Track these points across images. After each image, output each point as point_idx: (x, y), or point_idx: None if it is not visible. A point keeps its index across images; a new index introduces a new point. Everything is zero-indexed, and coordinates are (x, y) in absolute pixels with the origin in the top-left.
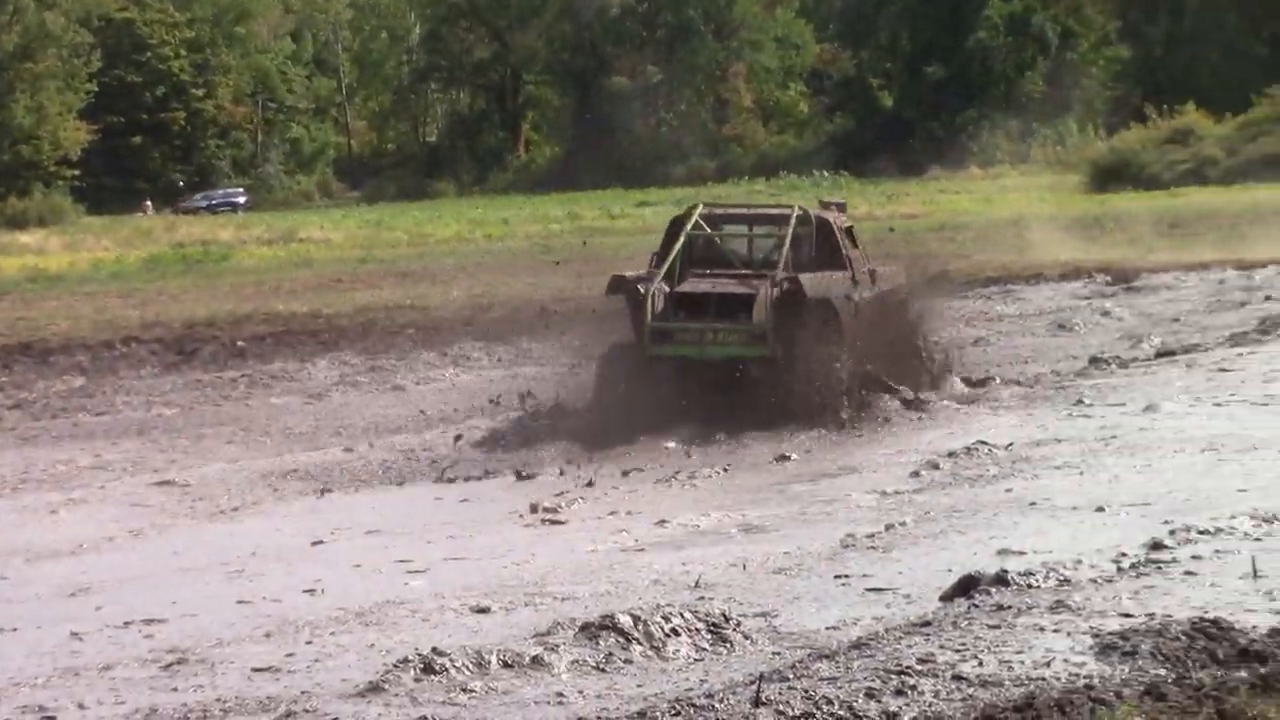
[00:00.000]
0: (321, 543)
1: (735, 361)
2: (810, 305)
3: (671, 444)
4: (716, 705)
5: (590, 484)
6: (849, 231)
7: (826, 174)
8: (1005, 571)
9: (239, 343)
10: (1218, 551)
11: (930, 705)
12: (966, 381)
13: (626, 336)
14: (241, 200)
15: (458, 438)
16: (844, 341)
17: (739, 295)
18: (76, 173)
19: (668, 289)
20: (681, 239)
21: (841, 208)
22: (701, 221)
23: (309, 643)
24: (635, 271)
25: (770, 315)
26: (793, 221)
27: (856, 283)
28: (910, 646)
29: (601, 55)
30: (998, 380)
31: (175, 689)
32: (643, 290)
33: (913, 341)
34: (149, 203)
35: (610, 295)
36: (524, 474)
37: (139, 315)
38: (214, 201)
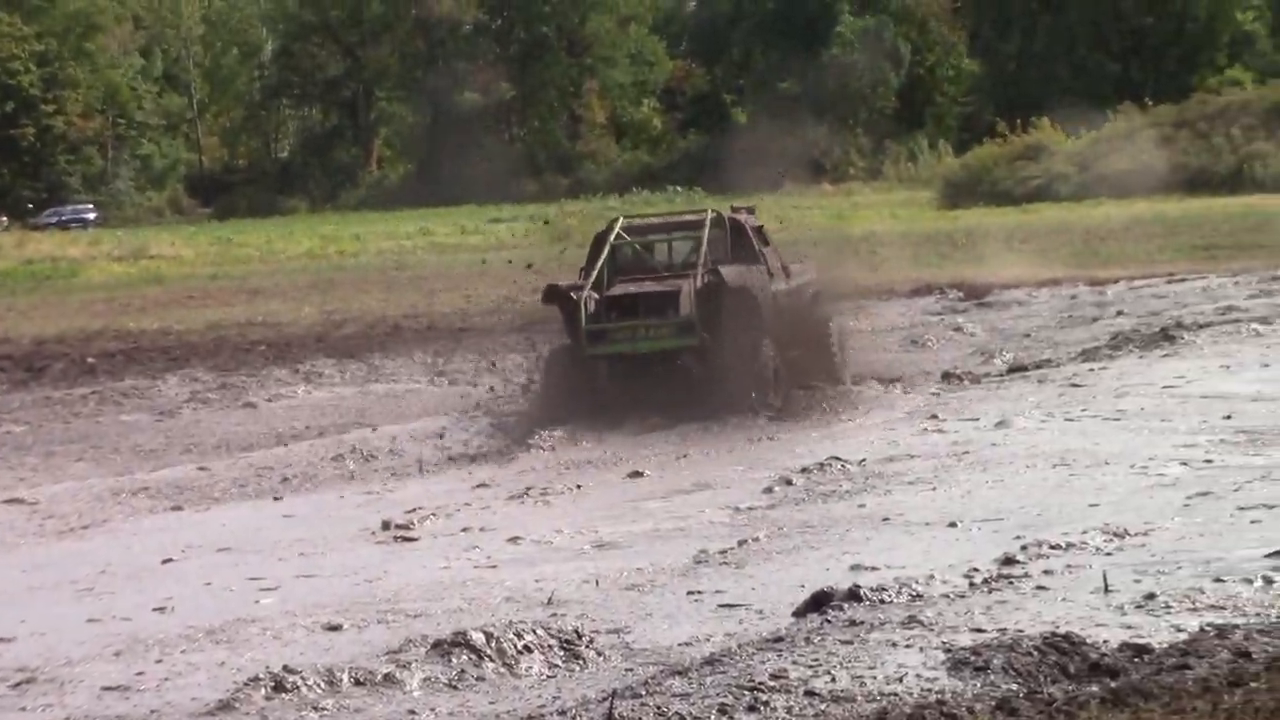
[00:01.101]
0: (172, 560)
1: (668, 353)
2: (731, 294)
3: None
4: None
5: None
6: (759, 231)
7: (680, 189)
8: (858, 587)
9: (89, 359)
10: (1069, 566)
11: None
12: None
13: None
14: (91, 216)
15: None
16: (765, 329)
17: (664, 293)
18: None
19: (598, 295)
20: (605, 250)
21: (751, 211)
22: (623, 233)
23: (159, 661)
24: (565, 282)
25: (695, 307)
26: (707, 223)
27: (772, 276)
28: (763, 662)
29: (454, 71)
30: (853, 393)
31: (24, 708)
32: (575, 297)
33: (823, 334)
34: (4, 218)
35: (545, 304)
36: (381, 490)
37: None
38: (64, 217)
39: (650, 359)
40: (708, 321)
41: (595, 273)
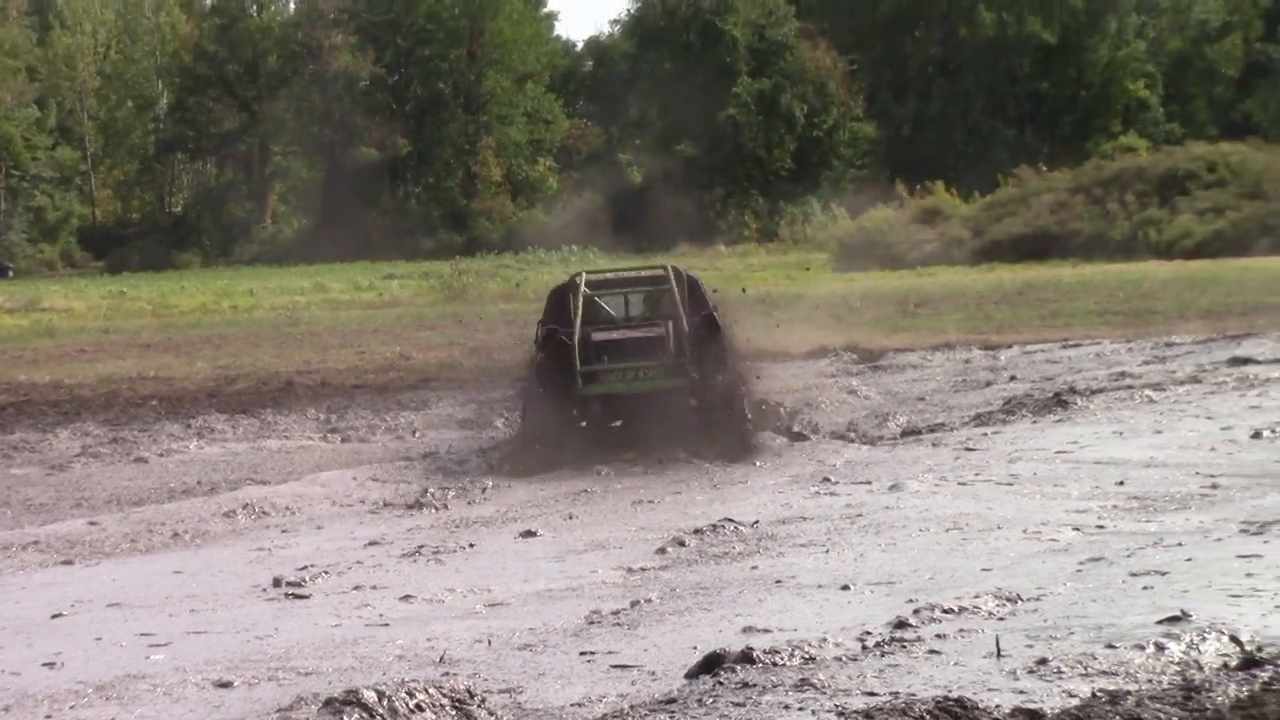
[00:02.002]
0: (62, 615)
1: (658, 393)
2: (722, 337)
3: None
4: None
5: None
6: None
7: (575, 248)
8: (750, 649)
9: None
10: (962, 630)
11: None
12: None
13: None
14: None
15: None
16: (742, 372)
17: (651, 337)
18: None
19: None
20: (581, 300)
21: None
22: (586, 288)
23: (48, 717)
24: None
25: (686, 349)
26: (673, 276)
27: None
28: None
29: (350, 127)
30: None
31: None
32: (568, 340)
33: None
34: None
35: (540, 348)
36: (273, 546)
37: None
38: None
39: (633, 400)
40: (696, 363)
41: (578, 320)
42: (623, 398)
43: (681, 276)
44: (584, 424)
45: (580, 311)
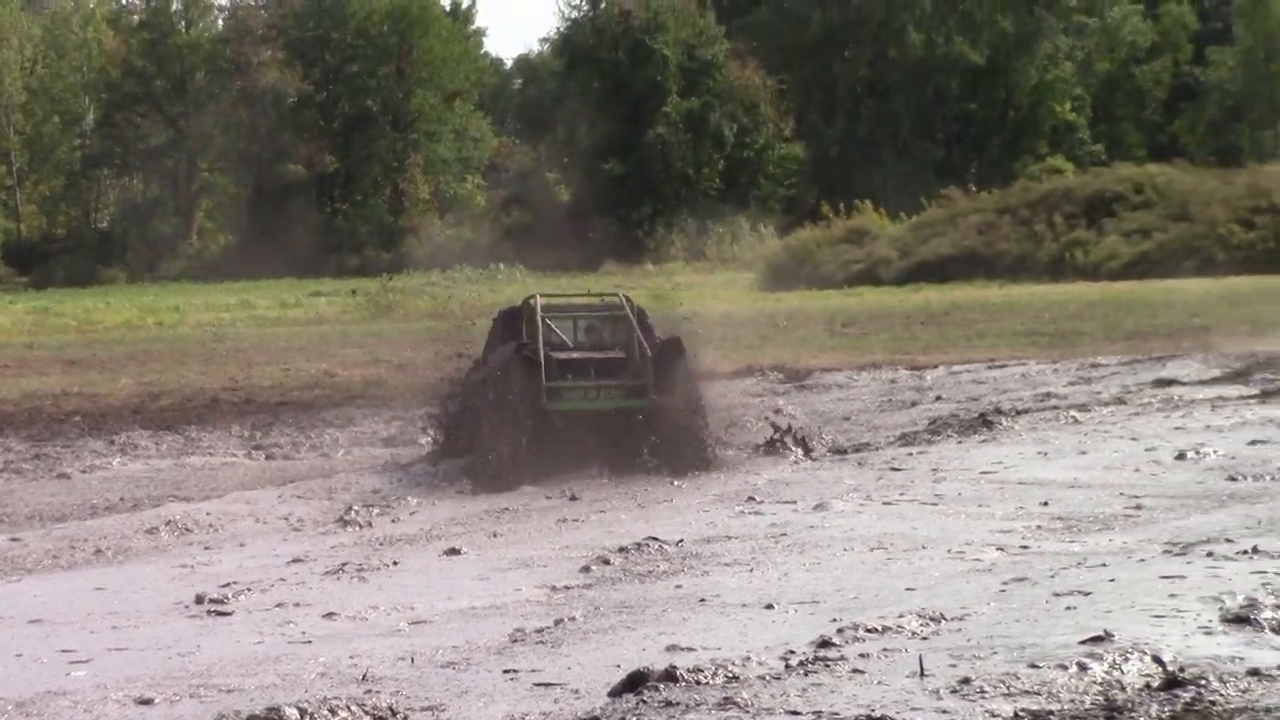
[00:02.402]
0: None
1: (620, 411)
2: (685, 360)
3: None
4: None
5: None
6: None
7: (503, 266)
8: (674, 668)
9: None
10: (885, 650)
11: None
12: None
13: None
14: None
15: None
16: (700, 393)
17: (615, 359)
18: None
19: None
20: (540, 323)
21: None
22: (545, 312)
23: None
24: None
25: (650, 370)
26: (627, 305)
27: None
28: None
29: (278, 143)
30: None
31: None
32: (534, 358)
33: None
34: None
35: (511, 361)
36: (196, 563)
37: None
38: None
39: (595, 417)
40: (659, 384)
41: (540, 339)
42: (584, 415)
43: (632, 305)
44: (544, 439)
45: (540, 331)
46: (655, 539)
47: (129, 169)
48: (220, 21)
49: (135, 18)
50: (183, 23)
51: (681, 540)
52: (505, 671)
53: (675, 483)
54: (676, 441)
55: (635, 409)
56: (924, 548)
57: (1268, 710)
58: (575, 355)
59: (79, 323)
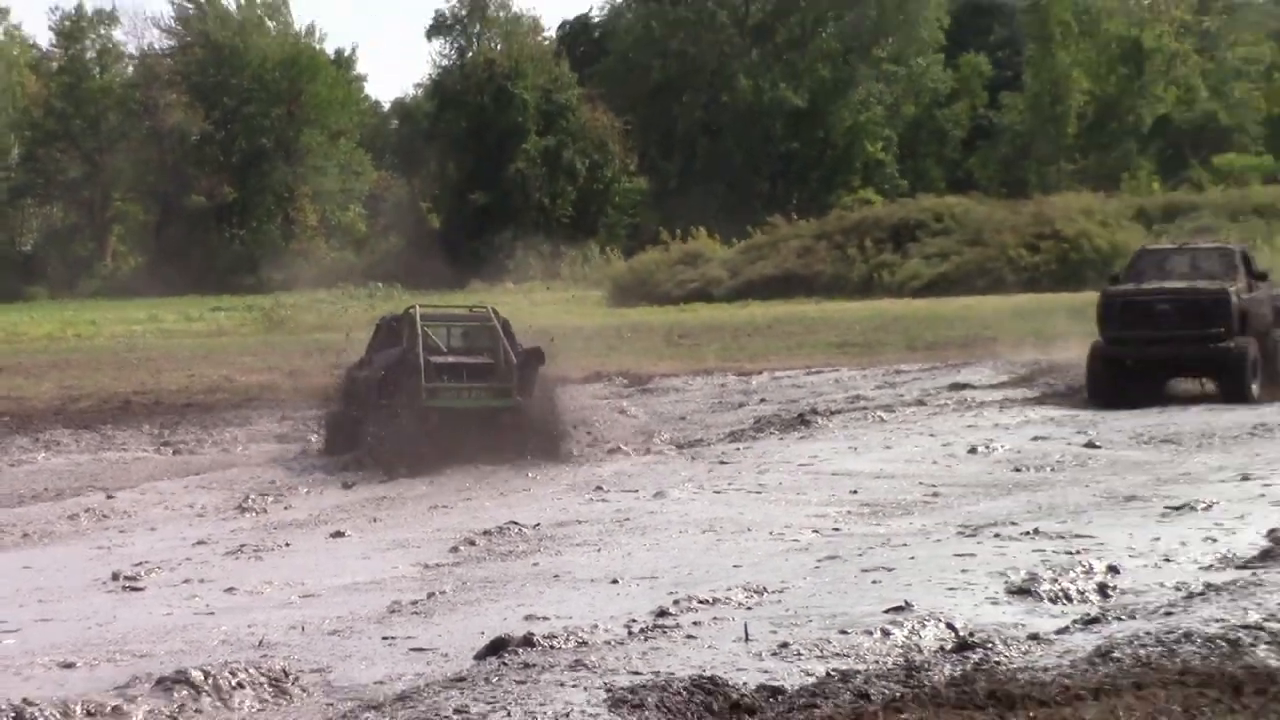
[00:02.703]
0: None
1: (492, 411)
2: (541, 365)
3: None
4: None
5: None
6: None
7: (381, 285)
8: (531, 634)
9: None
10: (715, 618)
11: None
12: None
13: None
14: None
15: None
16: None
17: (484, 364)
18: None
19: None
20: (420, 331)
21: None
22: (420, 321)
23: None
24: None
25: (514, 374)
26: (494, 317)
27: None
28: (448, 699)
29: (183, 176)
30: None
31: None
32: (415, 361)
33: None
34: None
35: (395, 363)
36: (112, 545)
37: None
38: None
39: (476, 416)
40: (521, 387)
41: (420, 345)
42: (457, 412)
43: (500, 317)
44: (420, 434)
45: (420, 338)
46: (515, 523)
47: (50, 198)
48: (130, 68)
49: (55, 64)
50: (97, 69)
51: (538, 524)
52: (384, 638)
53: (532, 474)
54: (535, 437)
55: (501, 408)
56: (749, 530)
57: (1045, 669)
58: (449, 360)
59: (5, 334)
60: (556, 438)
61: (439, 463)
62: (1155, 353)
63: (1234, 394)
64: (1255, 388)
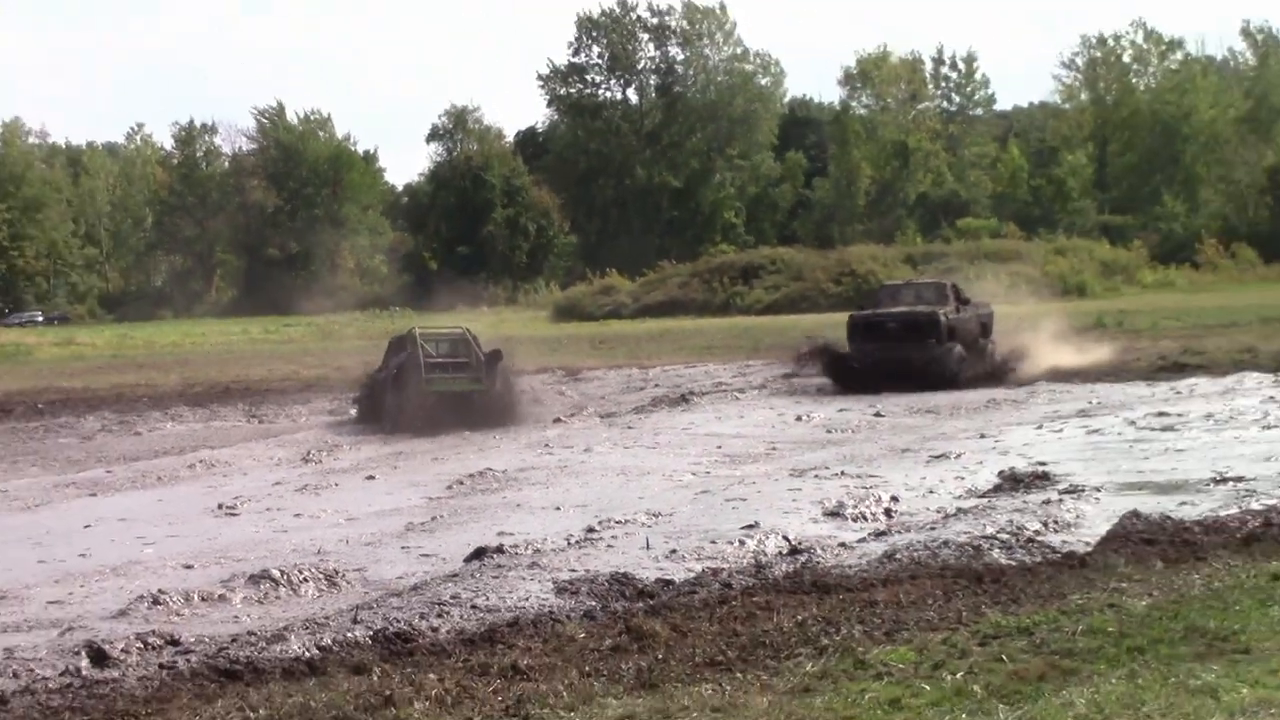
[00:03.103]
0: (90, 526)
1: (468, 393)
2: (503, 363)
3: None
4: (331, 623)
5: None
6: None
7: (396, 309)
8: (502, 545)
9: (39, 405)
10: (626, 534)
11: (457, 623)
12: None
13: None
14: (39, 319)
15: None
16: (513, 382)
17: (462, 362)
18: None
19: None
20: (420, 344)
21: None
22: (422, 337)
23: (82, 586)
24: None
25: (483, 369)
26: (468, 333)
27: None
28: (446, 588)
29: (262, 235)
30: (495, 435)
31: None
32: (418, 360)
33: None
34: None
35: (404, 362)
36: (218, 485)
37: None
38: (23, 320)
39: (458, 396)
40: (488, 377)
41: (421, 352)
42: (445, 394)
43: (472, 334)
44: (422, 410)
45: (419, 347)
46: (490, 469)
47: (173, 250)
48: (226, 162)
49: (175, 160)
50: (204, 163)
51: (505, 470)
52: (402, 548)
53: (498, 436)
54: (500, 411)
55: (475, 390)
56: (648, 474)
57: (850, 566)
58: (439, 359)
59: (144, 343)
60: (515, 411)
61: (435, 429)
62: (886, 356)
63: (943, 384)
64: (959, 379)
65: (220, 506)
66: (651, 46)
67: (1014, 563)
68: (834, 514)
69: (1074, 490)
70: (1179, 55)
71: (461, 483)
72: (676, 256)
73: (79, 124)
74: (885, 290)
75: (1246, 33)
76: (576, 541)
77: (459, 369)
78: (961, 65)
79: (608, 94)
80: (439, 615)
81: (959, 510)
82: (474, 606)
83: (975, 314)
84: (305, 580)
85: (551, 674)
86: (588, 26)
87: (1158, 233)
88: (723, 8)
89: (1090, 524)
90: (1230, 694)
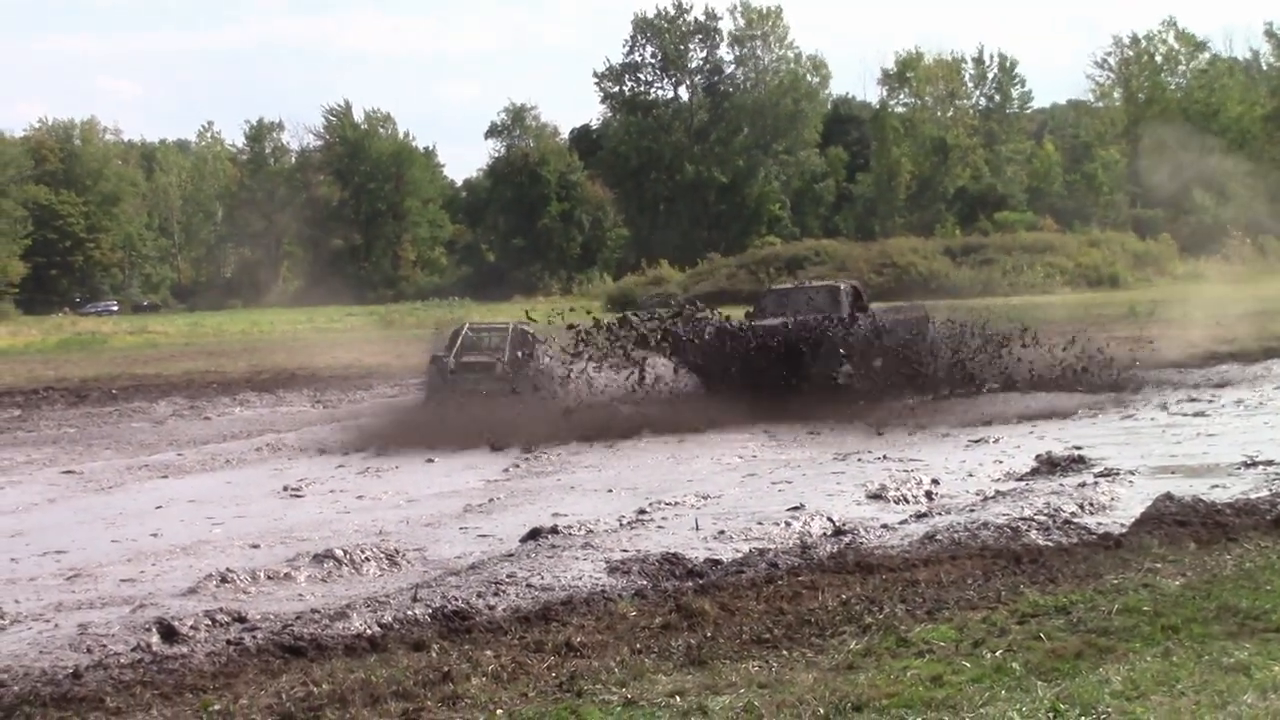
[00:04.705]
0: (161, 507)
1: (493, 390)
2: (536, 362)
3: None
4: (391, 601)
5: (341, 465)
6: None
7: (457, 298)
8: (557, 525)
9: (113, 391)
10: (676, 515)
11: (513, 601)
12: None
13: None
14: (115, 308)
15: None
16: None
17: (489, 361)
18: (17, 291)
19: (456, 360)
20: (460, 338)
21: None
22: (470, 330)
23: (153, 564)
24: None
25: (509, 368)
26: (509, 328)
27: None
28: (502, 567)
29: (327, 228)
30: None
31: (73, 591)
32: (443, 360)
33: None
34: (66, 309)
35: (431, 364)
36: (283, 468)
37: (54, 374)
38: (98, 309)
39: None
40: (517, 376)
41: (455, 348)
42: (475, 390)
43: (515, 328)
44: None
45: (460, 343)
46: (545, 453)
47: (242, 243)
48: (293, 158)
49: (244, 156)
50: (272, 159)
51: (559, 453)
52: (460, 528)
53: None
54: (529, 407)
55: (499, 389)
56: (697, 458)
57: (892, 547)
58: (470, 359)
59: (214, 331)
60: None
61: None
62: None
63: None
64: (841, 380)
65: (285, 488)
66: (703, 47)
67: (1051, 544)
68: (876, 496)
69: (1109, 473)
70: (1207, 55)
71: (517, 466)
72: (724, 249)
73: (152, 122)
74: (772, 295)
75: (1270, 34)
76: (628, 523)
77: (487, 369)
78: (997, 64)
79: (660, 92)
80: (495, 594)
81: (998, 493)
82: (529, 585)
83: (896, 320)
84: (367, 560)
85: (604, 651)
86: (643, 27)
87: (1188, 226)
88: (779, 10)
89: (1125, 506)
90: (1262, 671)
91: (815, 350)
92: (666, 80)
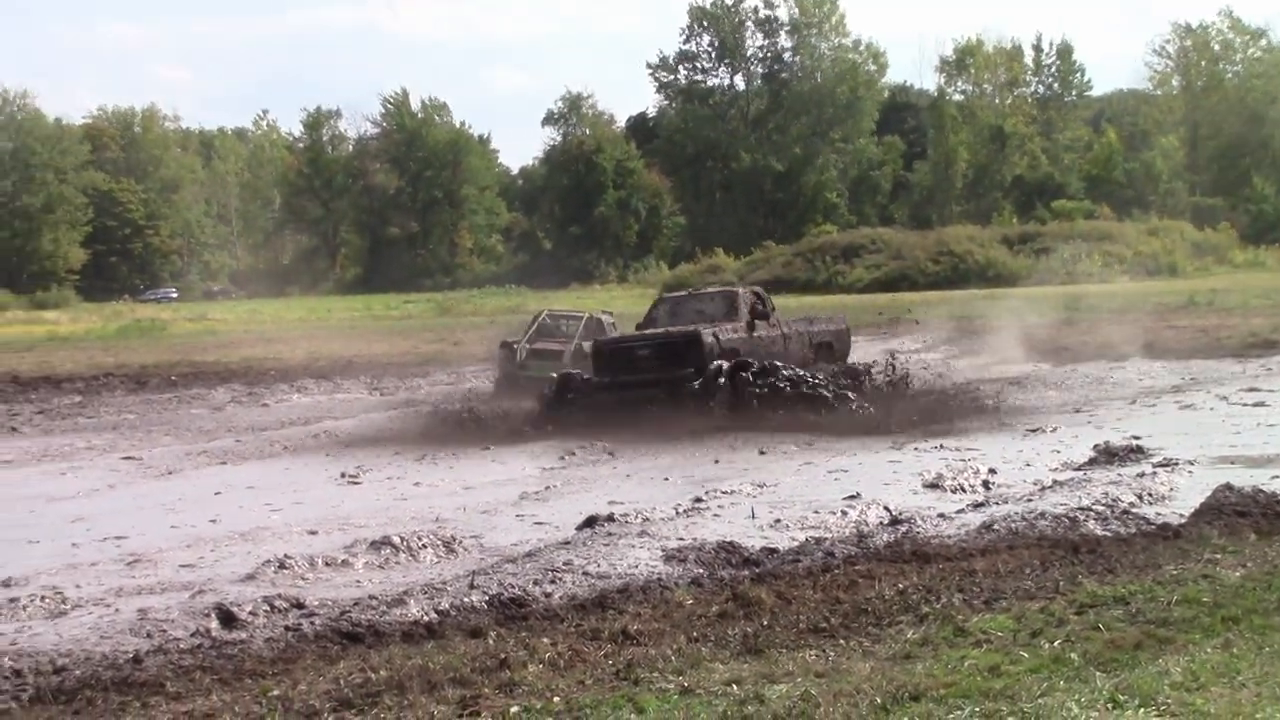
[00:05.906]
0: (220, 493)
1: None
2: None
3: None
4: (448, 588)
5: (395, 453)
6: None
7: (512, 286)
8: (613, 513)
9: (172, 378)
10: (732, 504)
11: (569, 589)
12: None
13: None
14: (174, 296)
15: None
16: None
17: (558, 349)
18: (77, 277)
19: (529, 346)
20: (534, 324)
21: (609, 313)
22: (548, 317)
23: (212, 550)
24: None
25: (575, 360)
26: (584, 317)
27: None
28: (559, 555)
29: (385, 216)
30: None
31: (133, 577)
32: (516, 346)
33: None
34: (126, 296)
35: (501, 349)
36: (340, 454)
37: (114, 360)
38: (158, 296)
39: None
40: (580, 363)
41: (528, 333)
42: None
43: (591, 317)
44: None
45: (533, 328)
46: (598, 441)
47: (300, 230)
48: (351, 145)
49: (302, 144)
50: (330, 147)
51: (615, 441)
52: (517, 516)
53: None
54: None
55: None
56: (753, 446)
57: (949, 536)
58: (540, 345)
59: (273, 318)
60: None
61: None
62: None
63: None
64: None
65: (343, 475)
66: (760, 36)
67: (1109, 534)
68: (933, 486)
69: (1168, 463)
70: (1263, 43)
71: (573, 454)
72: (779, 237)
73: (208, 109)
74: (663, 303)
75: None
76: (684, 511)
77: (555, 357)
78: (1056, 52)
79: (716, 81)
80: (552, 581)
81: (1055, 482)
82: (585, 573)
83: (803, 331)
84: (424, 546)
85: (660, 639)
86: (699, 16)
87: (1248, 214)
88: None
89: (1184, 496)
90: None
91: (681, 359)
92: (723, 69)
